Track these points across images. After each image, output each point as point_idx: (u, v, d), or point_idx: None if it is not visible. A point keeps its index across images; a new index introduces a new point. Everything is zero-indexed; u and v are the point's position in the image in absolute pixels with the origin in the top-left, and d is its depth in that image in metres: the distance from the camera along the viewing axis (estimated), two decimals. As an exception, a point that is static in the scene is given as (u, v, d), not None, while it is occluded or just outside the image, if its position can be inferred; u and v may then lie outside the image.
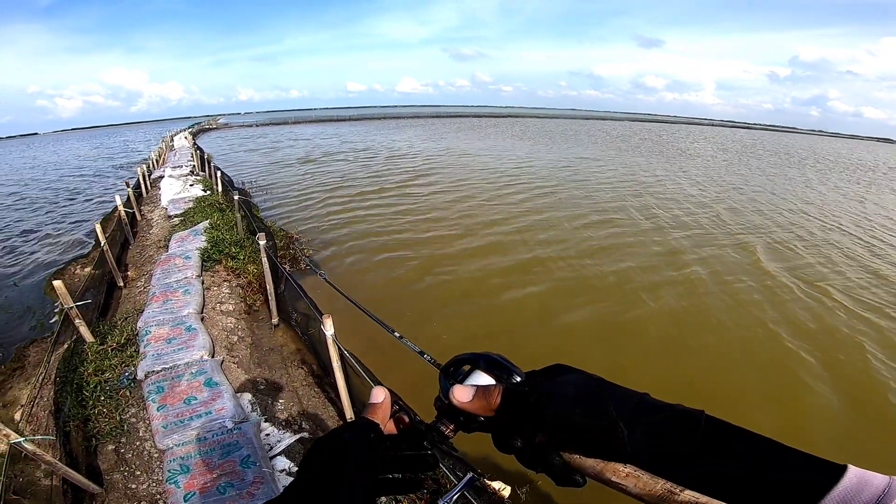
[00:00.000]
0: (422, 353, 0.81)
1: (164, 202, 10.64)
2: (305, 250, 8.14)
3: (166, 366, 4.39)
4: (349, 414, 4.08)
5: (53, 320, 6.43)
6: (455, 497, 0.57)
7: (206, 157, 15.48)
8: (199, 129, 50.66)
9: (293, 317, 6.33)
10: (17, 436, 2.44)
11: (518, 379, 0.51)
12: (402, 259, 8.74)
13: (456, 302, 7.24)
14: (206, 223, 8.14)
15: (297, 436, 4.03)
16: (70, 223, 12.94)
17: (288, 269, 7.28)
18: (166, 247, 7.67)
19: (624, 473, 0.41)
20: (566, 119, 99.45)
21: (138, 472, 3.48)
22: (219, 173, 9.95)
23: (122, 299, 6.43)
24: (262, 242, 5.49)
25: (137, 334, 5.04)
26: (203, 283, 6.36)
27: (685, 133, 66.64)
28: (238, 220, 7.79)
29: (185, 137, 35.70)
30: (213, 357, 4.74)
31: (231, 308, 6.23)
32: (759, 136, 79.10)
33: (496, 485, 3.76)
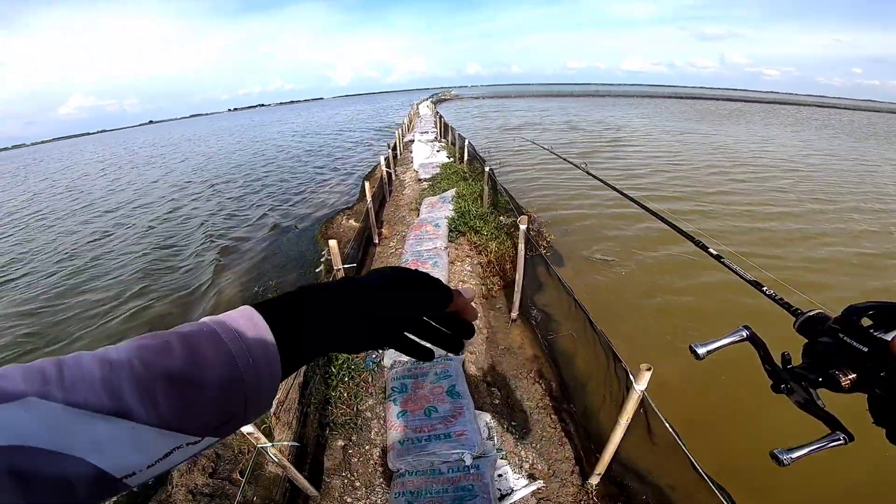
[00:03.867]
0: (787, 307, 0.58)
1: (415, 165, 11.20)
2: (548, 234, 7.13)
3: (412, 356, 3.95)
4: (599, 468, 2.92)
5: (318, 269, 7.09)
6: (808, 452, 0.46)
7: (448, 124, 16.10)
8: (437, 99, 55.89)
9: (532, 313, 5.44)
10: (266, 441, 2.05)
11: None
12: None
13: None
14: (452, 191, 7.91)
15: (532, 486, 3.05)
16: (343, 173, 15.28)
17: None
18: (417, 210, 7.73)
19: None
20: (863, 111, 72.52)
21: (357, 484, 2.96)
22: (466, 142, 9.78)
23: (375, 256, 6.61)
24: (524, 227, 4.58)
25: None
26: (448, 255, 5.98)
27: None
28: (485, 193, 7.26)
29: (428, 106, 39.54)
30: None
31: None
32: None
33: None
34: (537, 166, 13.59)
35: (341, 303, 0.45)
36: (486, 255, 6.29)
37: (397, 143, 14.02)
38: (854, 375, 0.44)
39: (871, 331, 0.44)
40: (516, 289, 5.10)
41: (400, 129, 16.05)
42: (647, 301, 5.97)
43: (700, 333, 5.26)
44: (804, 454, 0.46)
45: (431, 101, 47.89)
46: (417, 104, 41.36)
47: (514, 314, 5.29)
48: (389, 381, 3.63)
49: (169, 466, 0.34)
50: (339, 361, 3.90)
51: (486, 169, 7.13)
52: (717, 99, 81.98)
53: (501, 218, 7.01)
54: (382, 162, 9.07)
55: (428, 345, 0.52)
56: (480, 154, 10.51)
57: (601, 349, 3.38)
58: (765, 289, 0.70)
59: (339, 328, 0.44)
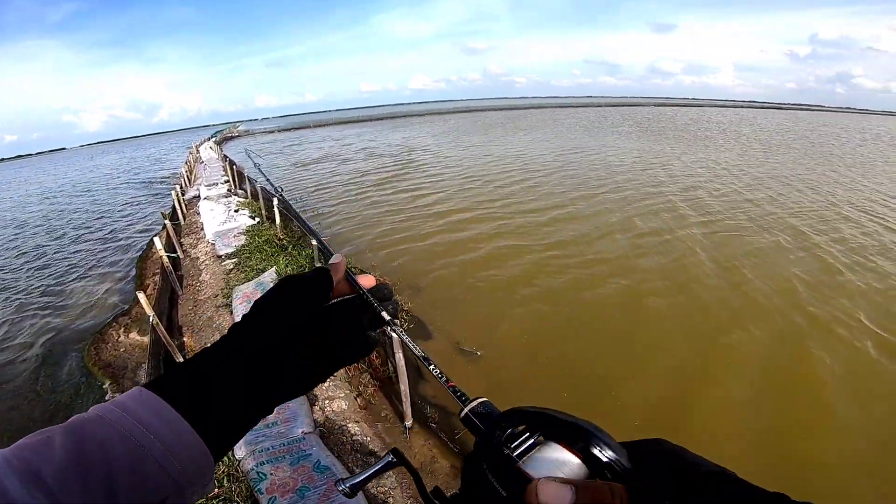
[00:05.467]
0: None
1: (209, 236, 8.66)
2: (404, 302, 6.07)
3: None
4: None
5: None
6: (363, 480, 0.41)
7: (242, 172, 13.67)
8: (222, 138, 49.04)
9: (427, 412, 4.37)
10: None
11: (623, 464, 0.31)
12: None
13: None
14: (272, 272, 6.16)
15: None
16: (100, 258, 11.15)
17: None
18: (228, 307, 5.75)
19: None
20: (588, 107, 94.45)
21: None
22: (275, 201, 7.92)
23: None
24: (404, 338, 3.47)
25: (242, 470, 3.10)
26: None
27: (708, 115, 62.01)
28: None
29: (211, 147, 34.21)
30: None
31: (345, 405, 4.29)
32: (775, 117, 65.73)
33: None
34: (340, 198, 13.71)
35: (232, 351, 0.41)
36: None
37: (177, 205, 10.97)
38: None
39: (520, 456, 0.32)
40: (404, 399, 3.96)
41: (178, 186, 12.62)
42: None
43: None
44: (362, 479, 0.41)
45: (215, 142, 41.73)
46: (197, 146, 35.14)
47: (408, 422, 4.14)
48: None
49: None
50: None
51: (314, 243, 5.72)
52: (485, 109, 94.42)
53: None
54: (159, 244, 6.58)
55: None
56: (293, 204, 8.85)
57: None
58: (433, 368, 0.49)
59: (244, 374, 0.40)
